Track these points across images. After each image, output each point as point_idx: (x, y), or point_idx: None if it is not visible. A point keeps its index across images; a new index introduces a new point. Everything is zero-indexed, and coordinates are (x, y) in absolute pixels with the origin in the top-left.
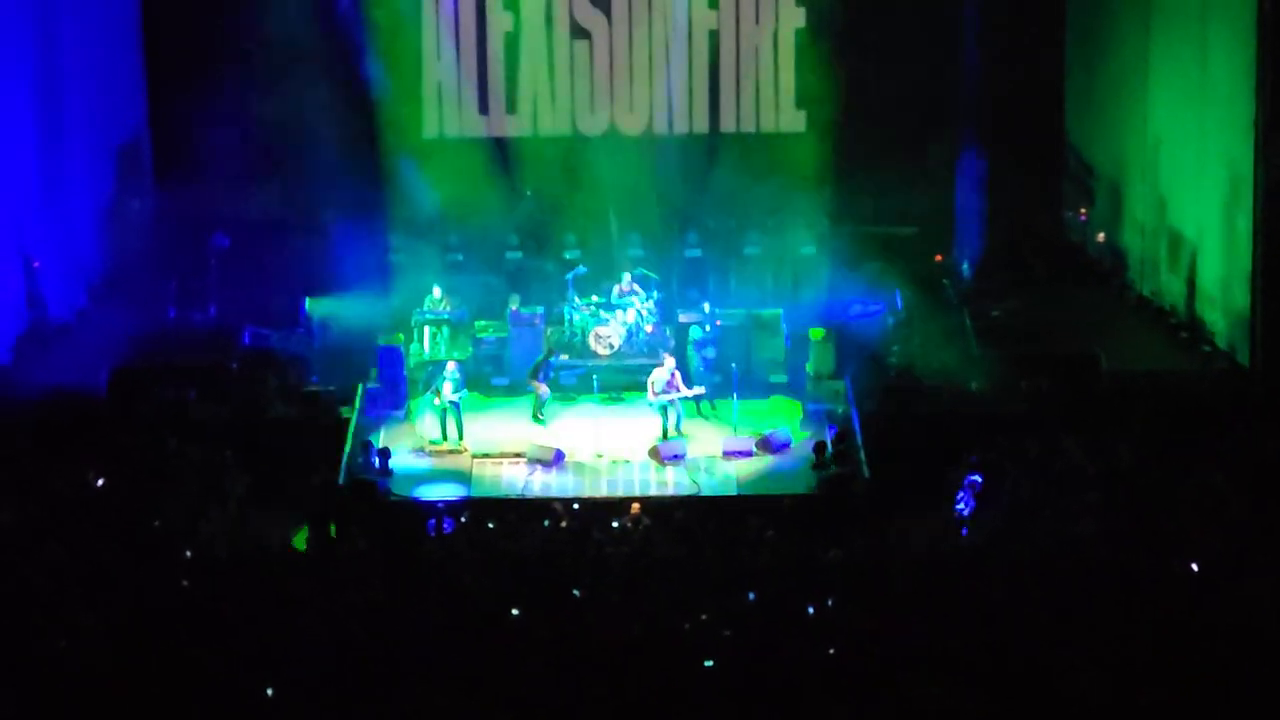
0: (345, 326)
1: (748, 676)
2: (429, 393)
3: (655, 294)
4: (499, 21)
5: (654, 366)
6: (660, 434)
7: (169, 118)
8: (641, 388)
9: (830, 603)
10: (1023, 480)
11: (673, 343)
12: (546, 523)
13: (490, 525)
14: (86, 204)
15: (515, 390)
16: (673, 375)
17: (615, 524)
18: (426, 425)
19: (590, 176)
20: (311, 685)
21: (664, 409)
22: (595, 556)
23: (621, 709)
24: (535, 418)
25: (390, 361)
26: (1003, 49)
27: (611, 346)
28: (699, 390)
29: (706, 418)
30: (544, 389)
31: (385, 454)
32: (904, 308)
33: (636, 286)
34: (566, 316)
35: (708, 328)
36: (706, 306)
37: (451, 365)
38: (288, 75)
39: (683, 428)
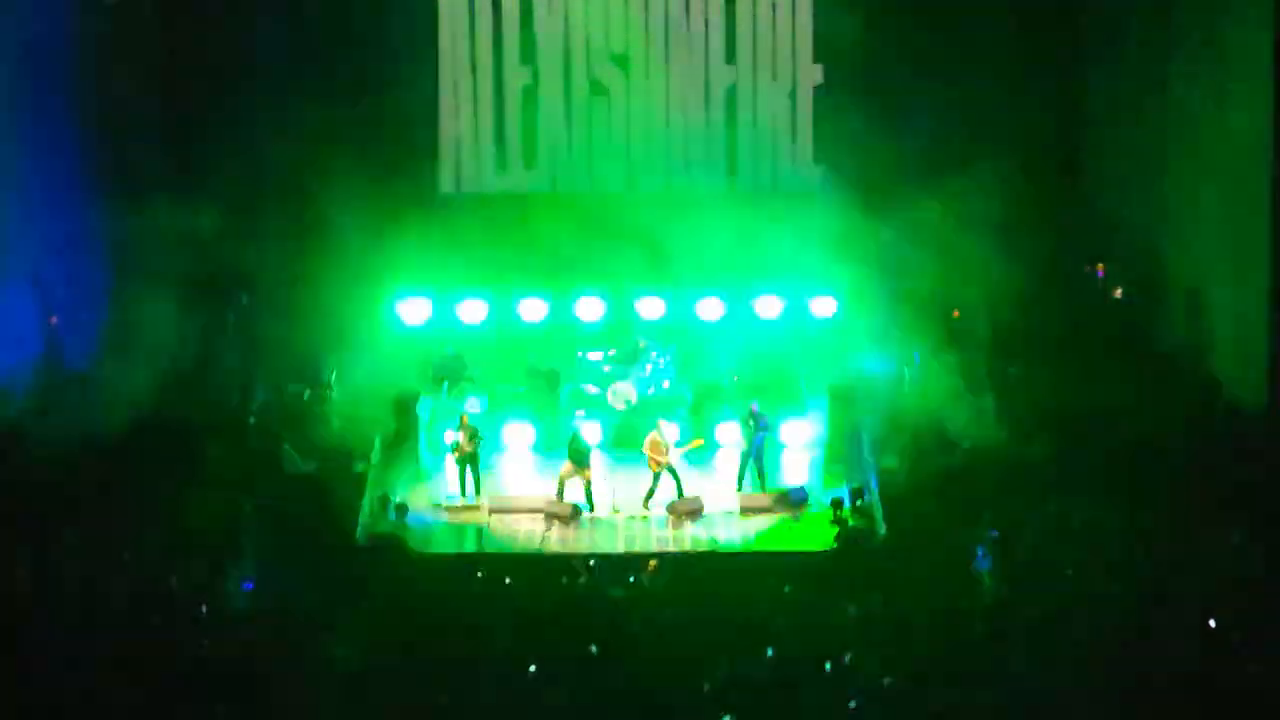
0: (363, 381)
1: None
2: (447, 447)
3: (672, 350)
4: (517, 77)
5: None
6: (676, 492)
7: (190, 175)
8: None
9: (848, 658)
10: (1041, 536)
11: (690, 399)
12: (564, 578)
13: (508, 580)
14: (107, 258)
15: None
16: (665, 435)
17: (633, 579)
18: (444, 480)
19: (607, 233)
20: None
21: (672, 470)
22: (612, 612)
23: None
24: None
25: (407, 416)
26: (1021, 106)
27: (629, 403)
28: (698, 442)
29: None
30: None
31: (403, 508)
32: (921, 364)
33: (652, 344)
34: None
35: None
36: (734, 375)
37: (465, 420)
38: (306, 129)
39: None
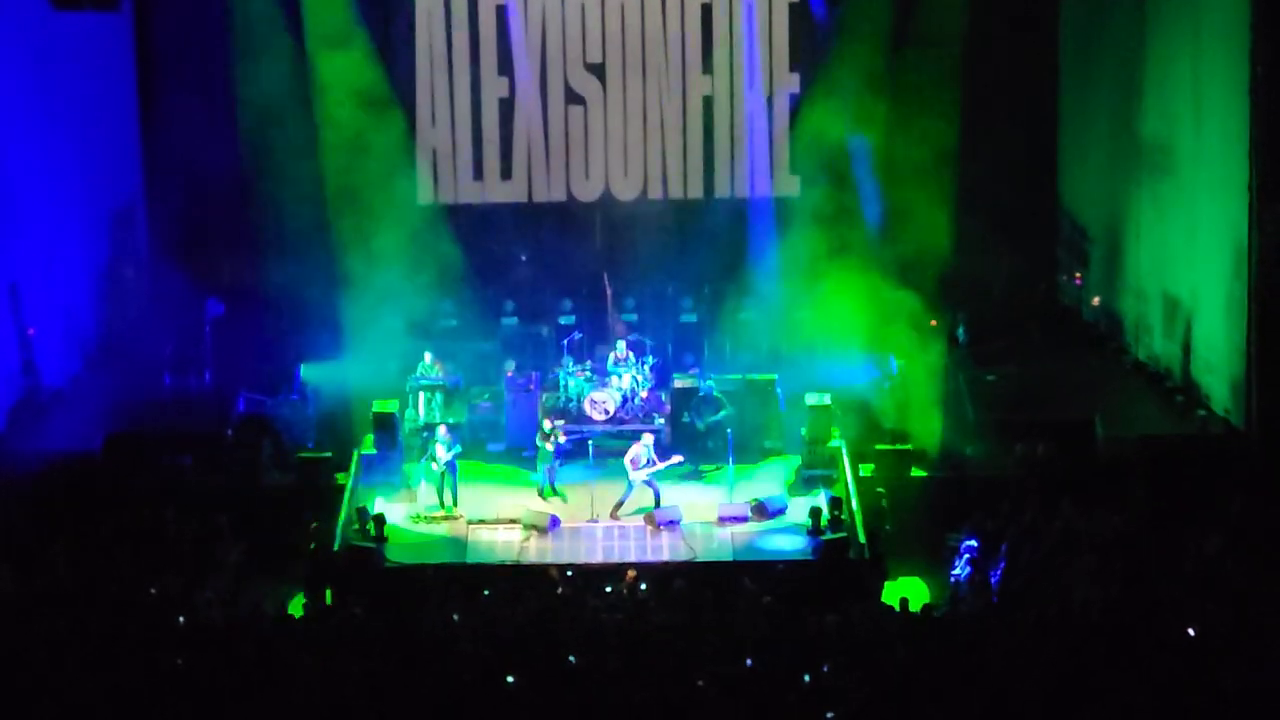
0: (340, 392)
1: None
2: (424, 459)
3: (650, 359)
4: (493, 87)
5: (648, 431)
6: (654, 503)
7: (164, 185)
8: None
9: (826, 669)
10: (1019, 545)
11: (668, 408)
12: (542, 589)
13: (485, 592)
14: (82, 271)
15: (511, 456)
16: (649, 449)
17: (610, 590)
18: (422, 491)
19: (585, 242)
20: None
21: (650, 482)
22: (590, 623)
23: None
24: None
25: (385, 427)
26: (996, 114)
27: (607, 412)
28: (677, 459)
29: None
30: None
31: (380, 520)
32: (899, 372)
33: (631, 353)
34: (562, 382)
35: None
36: (694, 373)
37: (443, 429)
38: (282, 143)
39: (663, 500)
